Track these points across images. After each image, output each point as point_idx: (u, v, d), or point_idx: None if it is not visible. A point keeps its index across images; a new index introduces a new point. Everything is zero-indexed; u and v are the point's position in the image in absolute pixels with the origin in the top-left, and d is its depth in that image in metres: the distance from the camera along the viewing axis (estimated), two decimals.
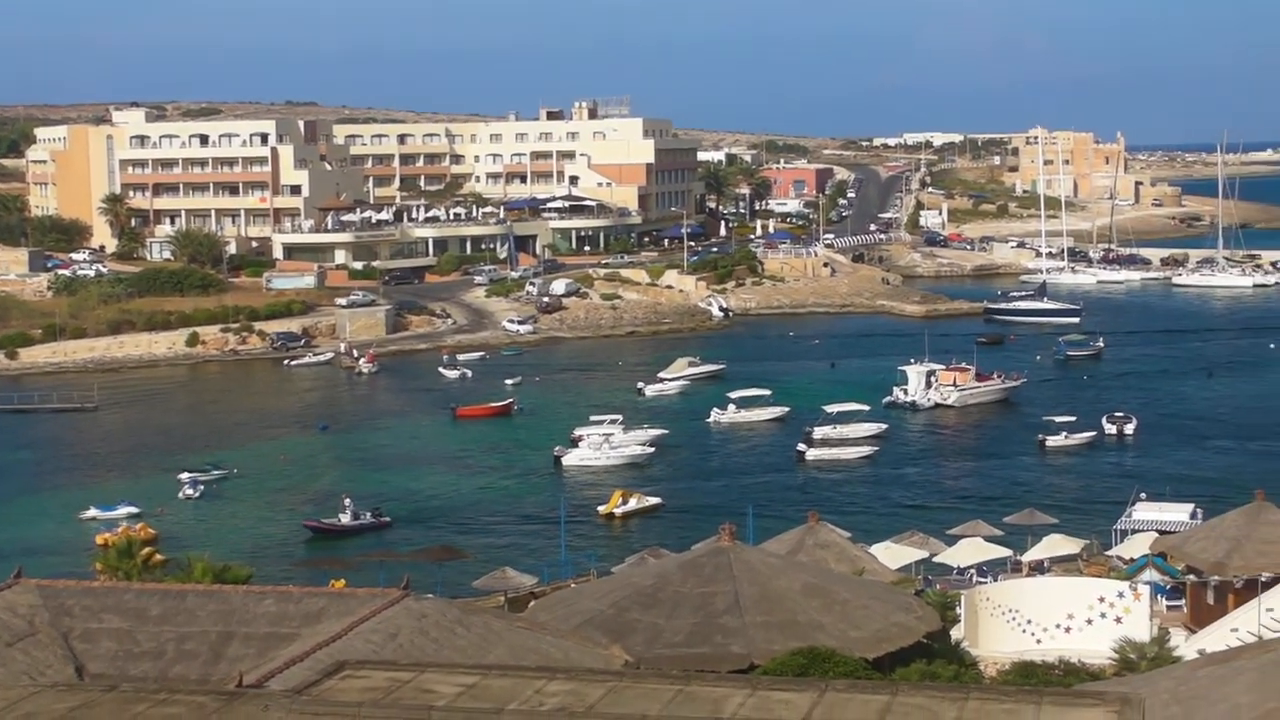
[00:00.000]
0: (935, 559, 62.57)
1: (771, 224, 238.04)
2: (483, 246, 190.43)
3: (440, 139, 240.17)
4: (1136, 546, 61.13)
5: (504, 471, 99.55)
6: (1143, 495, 73.60)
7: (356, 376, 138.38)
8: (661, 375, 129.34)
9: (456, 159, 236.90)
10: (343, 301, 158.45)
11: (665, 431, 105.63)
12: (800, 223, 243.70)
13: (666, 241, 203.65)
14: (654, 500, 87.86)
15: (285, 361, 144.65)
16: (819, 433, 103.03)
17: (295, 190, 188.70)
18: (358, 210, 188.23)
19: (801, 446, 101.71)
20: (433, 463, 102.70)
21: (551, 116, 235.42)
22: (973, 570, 61.25)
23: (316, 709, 16.85)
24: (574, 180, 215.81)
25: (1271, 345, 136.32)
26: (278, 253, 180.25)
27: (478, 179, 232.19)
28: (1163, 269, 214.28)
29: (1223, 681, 26.78)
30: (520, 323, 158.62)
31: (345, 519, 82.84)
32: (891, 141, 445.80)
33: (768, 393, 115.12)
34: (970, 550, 61.93)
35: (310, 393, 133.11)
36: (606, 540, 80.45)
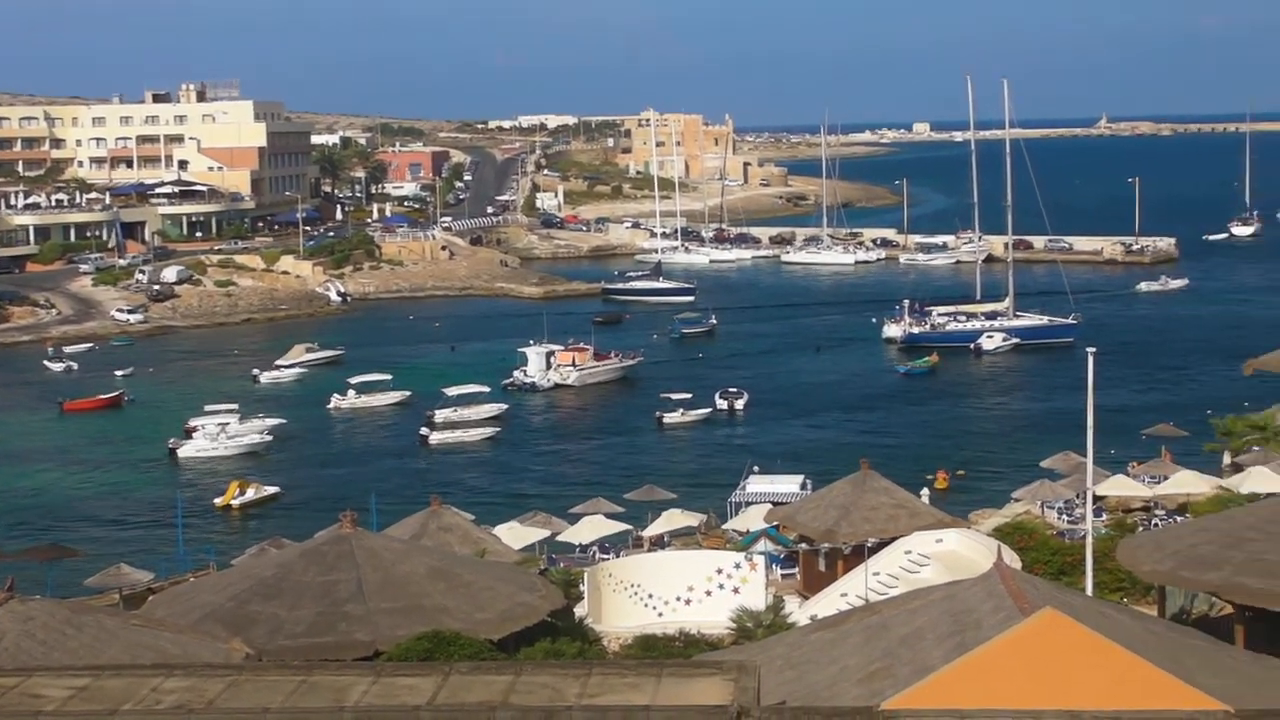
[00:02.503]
0: (558, 538, 63.21)
1: (388, 207, 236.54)
2: (88, 234, 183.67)
3: (39, 122, 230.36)
4: (751, 518, 62.91)
5: (116, 465, 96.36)
6: (755, 468, 75.71)
7: None
8: (279, 362, 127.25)
9: (57, 143, 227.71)
10: None
11: (283, 420, 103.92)
12: (417, 206, 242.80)
13: (281, 226, 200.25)
14: (273, 490, 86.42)
15: None
16: (440, 416, 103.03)
17: None
18: None
19: (424, 430, 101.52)
20: (39, 459, 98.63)
21: (158, 99, 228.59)
22: (595, 547, 62.11)
23: None
24: (183, 164, 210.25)
25: (874, 319, 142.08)
26: None
27: (81, 164, 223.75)
28: (772, 247, 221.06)
29: (832, 645, 27.85)
30: (130, 312, 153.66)
31: None
32: (507, 124, 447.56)
33: (388, 377, 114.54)
34: (592, 528, 62.77)
35: None
36: (225, 532, 78.72)
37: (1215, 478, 64.79)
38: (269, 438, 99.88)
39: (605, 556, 58.93)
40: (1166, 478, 65.45)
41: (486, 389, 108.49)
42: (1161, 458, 71.78)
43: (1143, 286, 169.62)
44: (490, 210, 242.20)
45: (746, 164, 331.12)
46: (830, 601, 46.00)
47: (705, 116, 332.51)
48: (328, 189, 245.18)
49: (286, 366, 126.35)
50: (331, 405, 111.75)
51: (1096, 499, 57.94)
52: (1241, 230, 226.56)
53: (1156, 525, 55.91)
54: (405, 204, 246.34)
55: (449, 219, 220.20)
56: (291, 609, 35.99)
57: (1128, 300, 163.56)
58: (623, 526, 64.06)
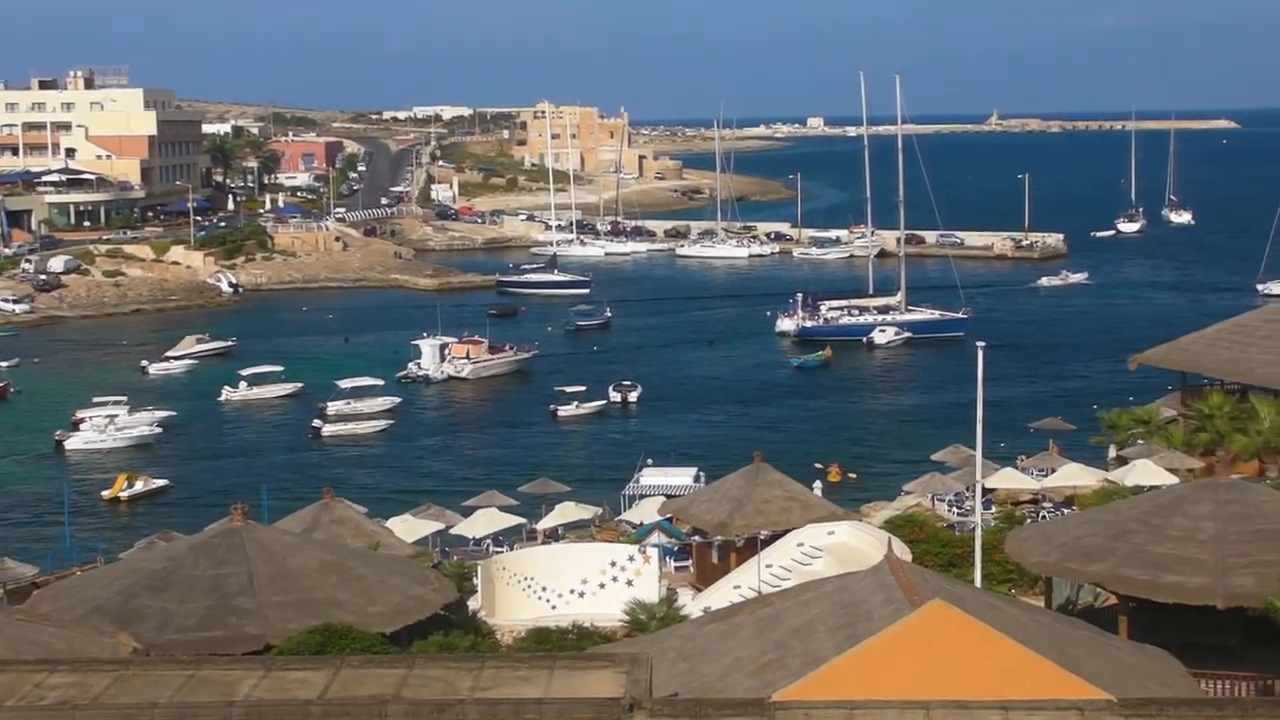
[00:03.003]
0: (452, 530, 63.00)
1: (281, 198, 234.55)
2: None
3: None
4: (645, 511, 63.09)
5: (0, 458, 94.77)
6: (649, 461, 75.92)
7: None
8: (169, 354, 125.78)
9: None
10: None
11: (173, 412, 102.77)
12: (311, 196, 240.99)
13: (171, 216, 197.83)
14: (162, 482, 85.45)
15: None
16: (333, 408, 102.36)
17: None
18: None
19: (317, 423, 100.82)
20: None
21: (44, 86, 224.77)
22: (489, 540, 61.97)
23: None
24: (71, 153, 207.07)
25: (768, 313, 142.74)
26: None
27: None
28: (666, 241, 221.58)
29: (725, 636, 28.01)
30: (15, 302, 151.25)
31: None
32: (401, 115, 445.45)
33: (280, 369, 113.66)
34: (486, 520, 62.62)
35: None
36: (113, 525, 77.72)
37: (1101, 471, 65.77)
38: (158, 430, 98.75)
39: (499, 549, 58.87)
40: (1054, 470, 66.36)
41: (380, 382, 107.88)
42: (1049, 451, 72.78)
43: (1044, 281, 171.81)
44: (384, 202, 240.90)
45: (642, 157, 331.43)
46: (723, 594, 46.22)
47: (601, 109, 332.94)
48: (219, 178, 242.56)
49: (177, 358, 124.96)
50: (223, 397, 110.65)
51: (986, 491, 58.68)
52: (1128, 227, 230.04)
53: (1044, 517, 56.66)
54: (298, 194, 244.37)
55: (343, 210, 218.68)
56: (181, 603, 35.66)
57: (1018, 295, 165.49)
58: (516, 519, 63.97)
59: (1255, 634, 36.69)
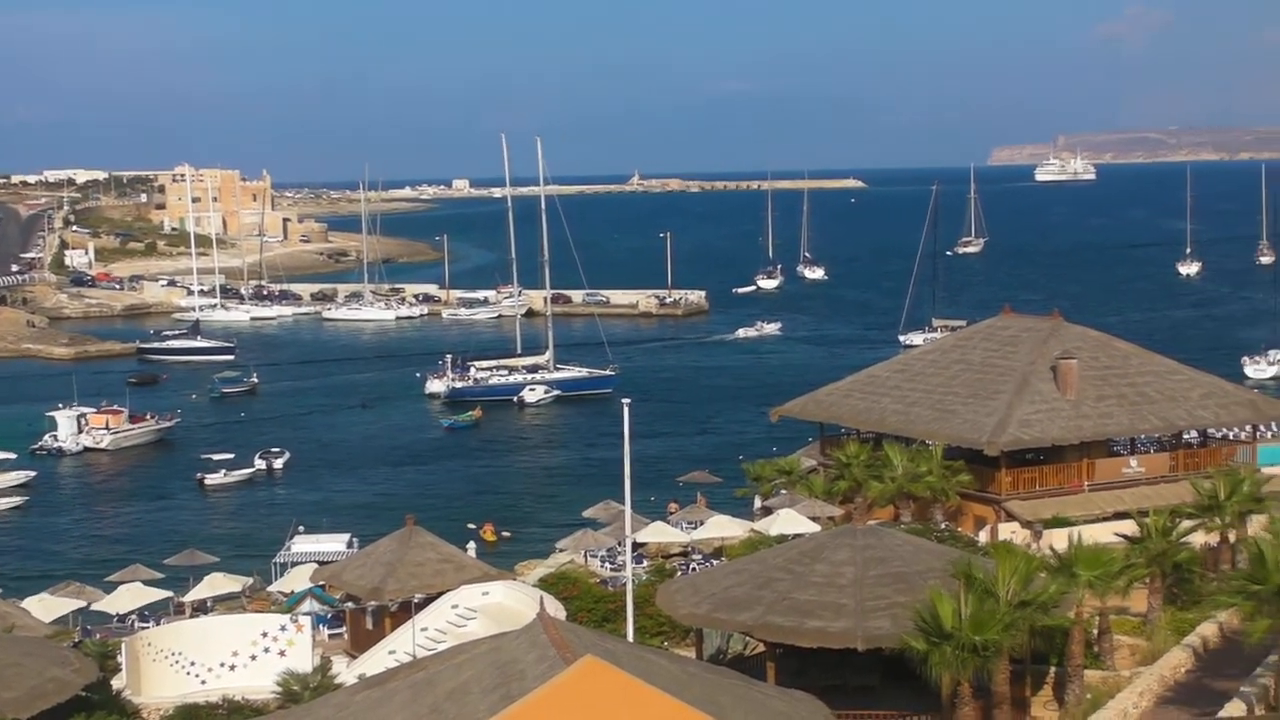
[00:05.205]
0: (94, 607, 60.90)
1: None
2: None
3: None
4: (297, 579, 62.03)
5: None
6: (300, 528, 74.77)
7: None
8: None
9: None
10: None
11: None
12: None
13: None
14: None
15: None
16: None
17: None
18: None
19: None
20: None
21: None
22: (134, 616, 60.09)
23: None
24: None
25: (417, 375, 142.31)
26: None
27: None
28: (314, 304, 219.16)
29: (379, 703, 27.79)
30: None
31: None
32: (31, 178, 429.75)
33: None
34: (130, 596, 60.70)
35: None
36: None
37: (747, 521, 67.48)
38: None
39: (145, 625, 57.09)
40: (702, 523, 67.74)
41: (12, 455, 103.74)
42: (697, 503, 74.26)
43: (741, 332, 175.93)
44: (15, 269, 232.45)
45: (286, 220, 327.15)
46: (378, 660, 45.86)
47: (243, 172, 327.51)
48: None
49: None
50: None
51: (636, 546, 59.60)
52: (767, 283, 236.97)
53: (694, 569, 57.75)
54: None
55: None
56: None
57: (664, 351, 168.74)
58: (163, 593, 62.18)
59: (893, 673, 38.18)
